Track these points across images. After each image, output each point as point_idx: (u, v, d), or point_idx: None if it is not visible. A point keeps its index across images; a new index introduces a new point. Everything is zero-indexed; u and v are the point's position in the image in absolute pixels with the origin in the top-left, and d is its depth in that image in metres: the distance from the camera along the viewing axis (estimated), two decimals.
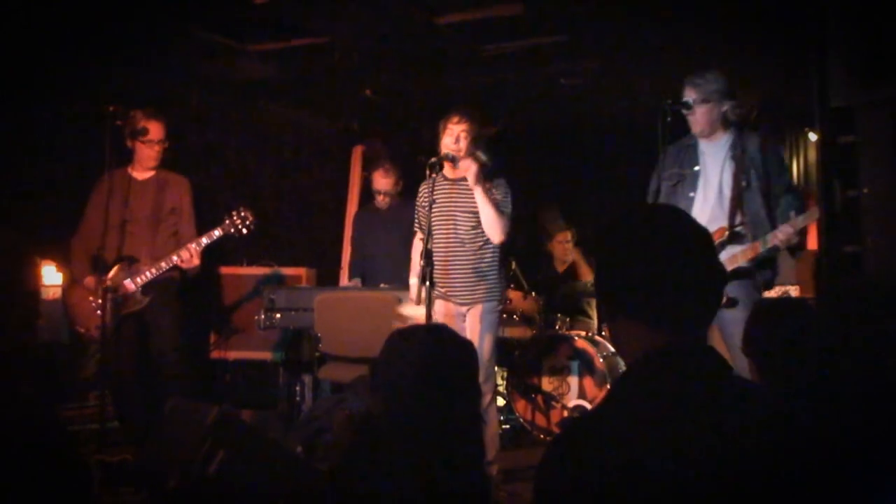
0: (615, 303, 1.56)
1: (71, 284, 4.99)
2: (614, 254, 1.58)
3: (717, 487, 1.33)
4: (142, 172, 5.02)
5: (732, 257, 3.83)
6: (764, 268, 3.91)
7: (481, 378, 3.80)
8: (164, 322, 4.91)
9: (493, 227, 4.27)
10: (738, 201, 3.89)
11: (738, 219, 3.89)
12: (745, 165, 3.90)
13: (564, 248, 6.85)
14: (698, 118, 3.96)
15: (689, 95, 3.95)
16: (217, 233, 4.87)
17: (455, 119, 4.31)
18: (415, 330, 2.37)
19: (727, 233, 3.86)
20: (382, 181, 5.66)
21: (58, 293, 5.20)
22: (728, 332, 3.67)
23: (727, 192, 3.92)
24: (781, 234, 3.77)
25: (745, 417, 1.40)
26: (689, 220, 1.60)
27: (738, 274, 3.82)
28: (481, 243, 4.33)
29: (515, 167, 4.90)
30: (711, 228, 3.84)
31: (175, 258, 4.80)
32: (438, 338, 2.25)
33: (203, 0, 4.87)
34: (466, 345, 2.31)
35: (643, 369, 1.48)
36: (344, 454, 2.22)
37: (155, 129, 4.95)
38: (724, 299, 3.69)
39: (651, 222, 1.59)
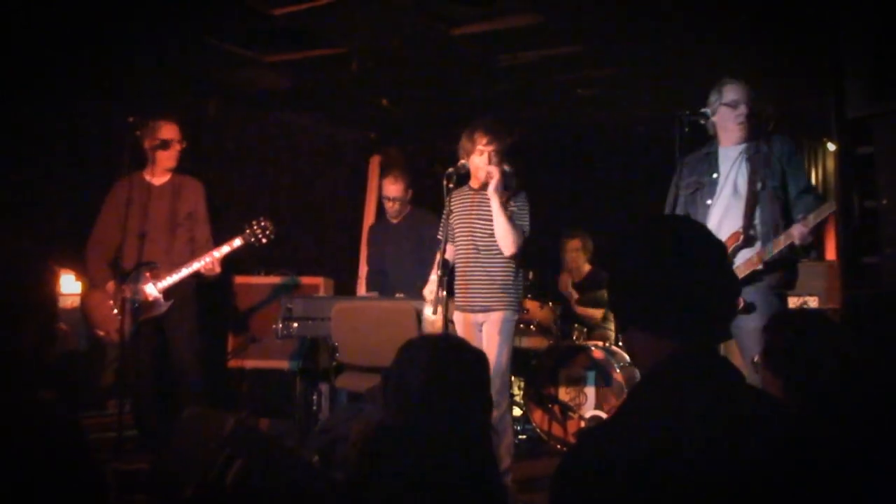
0: (628, 313, 1.57)
1: (90, 288, 5.02)
2: (627, 265, 1.59)
3: (728, 492, 1.34)
4: (159, 176, 5.04)
5: (748, 261, 3.75)
6: (780, 270, 3.80)
7: (496, 388, 3.80)
8: (183, 327, 4.93)
9: (505, 239, 4.26)
10: (752, 204, 3.83)
11: (753, 221, 3.82)
12: (759, 167, 3.85)
13: (574, 257, 6.82)
14: (745, 121, 3.91)
15: (734, 95, 3.91)
16: (238, 242, 4.90)
17: (484, 140, 4.32)
18: (425, 340, 2.37)
19: (742, 237, 3.79)
20: (391, 187, 5.68)
21: (76, 302, 5.22)
22: (744, 345, 3.56)
23: (743, 195, 3.86)
24: (796, 233, 3.67)
25: (757, 424, 1.41)
26: (704, 231, 1.61)
27: (755, 278, 3.74)
28: (496, 251, 4.33)
29: (530, 177, 4.89)
30: (728, 233, 3.80)
31: (196, 264, 4.82)
32: (448, 348, 2.26)
33: (221, 11, 4.91)
34: (477, 354, 2.31)
35: (655, 379, 1.49)
36: (359, 464, 2.22)
37: (171, 132, 4.99)
38: (741, 305, 3.64)
39: (664, 234, 1.59)
